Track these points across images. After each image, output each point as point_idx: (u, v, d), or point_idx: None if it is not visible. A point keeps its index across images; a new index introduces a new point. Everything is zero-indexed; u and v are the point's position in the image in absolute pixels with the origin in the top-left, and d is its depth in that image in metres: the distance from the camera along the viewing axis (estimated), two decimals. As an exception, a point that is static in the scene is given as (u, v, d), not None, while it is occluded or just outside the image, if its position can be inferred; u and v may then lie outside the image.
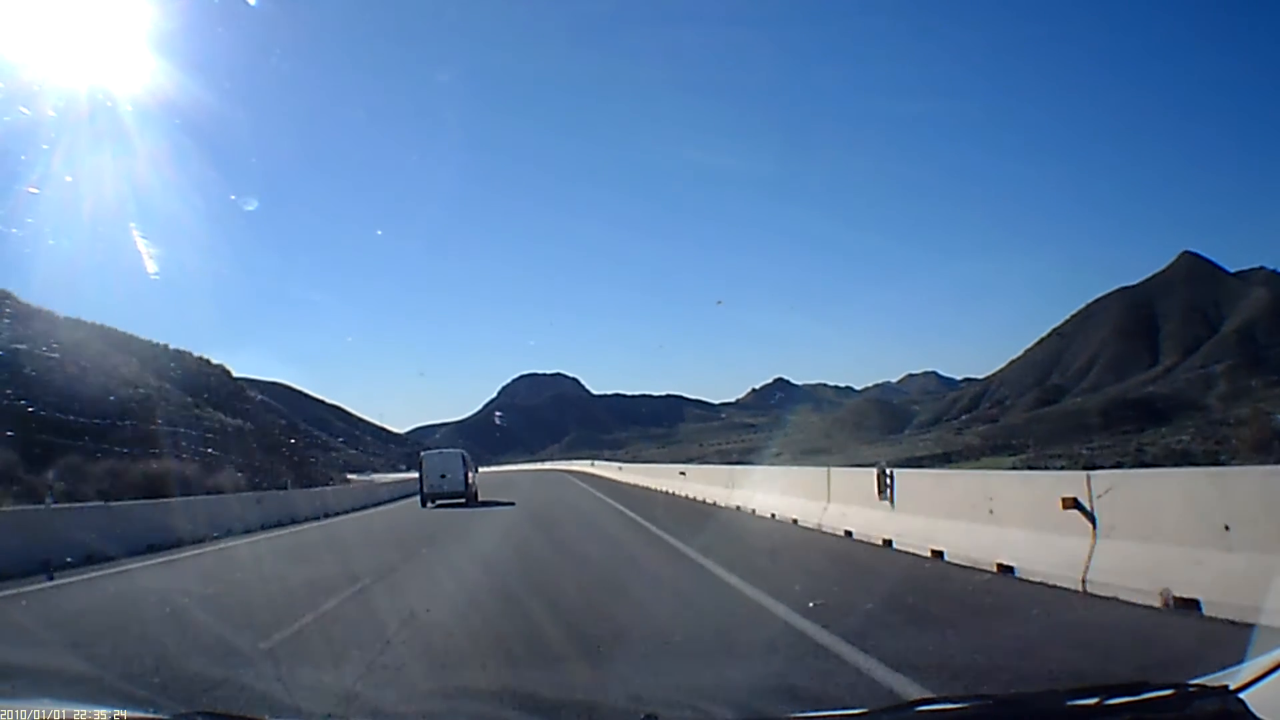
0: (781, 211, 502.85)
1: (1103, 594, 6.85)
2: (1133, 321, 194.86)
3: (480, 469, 36.49)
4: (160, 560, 14.27)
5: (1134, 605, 6.44)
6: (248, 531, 19.40)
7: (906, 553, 10.34)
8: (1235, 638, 5.19)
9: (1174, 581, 6.21)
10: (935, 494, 10.82)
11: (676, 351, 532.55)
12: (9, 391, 30.64)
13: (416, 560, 13.23)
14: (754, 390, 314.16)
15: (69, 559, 12.78)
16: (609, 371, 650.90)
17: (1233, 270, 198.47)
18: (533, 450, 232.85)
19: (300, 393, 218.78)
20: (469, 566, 12.01)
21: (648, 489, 32.36)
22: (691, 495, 24.93)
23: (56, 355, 34.39)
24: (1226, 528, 5.92)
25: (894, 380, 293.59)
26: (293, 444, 59.70)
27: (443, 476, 28.90)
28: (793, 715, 4.58)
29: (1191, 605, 6.01)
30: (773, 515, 16.50)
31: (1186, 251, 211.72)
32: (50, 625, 8.33)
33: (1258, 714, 1.86)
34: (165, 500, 20.14)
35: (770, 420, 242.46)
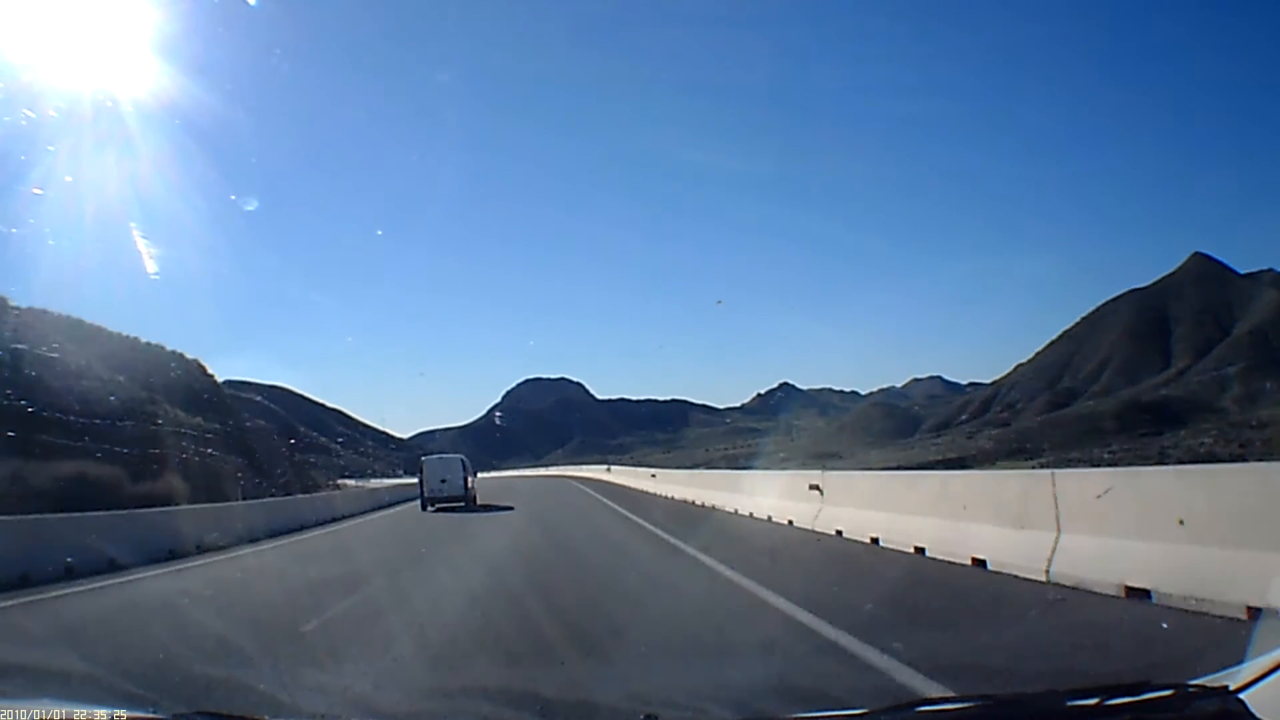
0: (785, 215, 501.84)
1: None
2: (1144, 324, 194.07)
3: (479, 474, 36.23)
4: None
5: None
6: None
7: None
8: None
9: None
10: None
11: (681, 356, 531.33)
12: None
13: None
14: (758, 395, 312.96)
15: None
16: (613, 376, 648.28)
17: (1242, 272, 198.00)
18: (537, 455, 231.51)
19: (300, 396, 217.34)
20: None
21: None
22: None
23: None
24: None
25: (899, 385, 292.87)
26: (271, 447, 57.04)
27: (443, 481, 29.55)
28: (793, 715, 4.44)
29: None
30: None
31: (1196, 253, 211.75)
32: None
33: (1257, 714, 1.88)
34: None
35: (775, 425, 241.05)
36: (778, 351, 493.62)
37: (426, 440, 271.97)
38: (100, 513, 16.22)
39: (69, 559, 12.46)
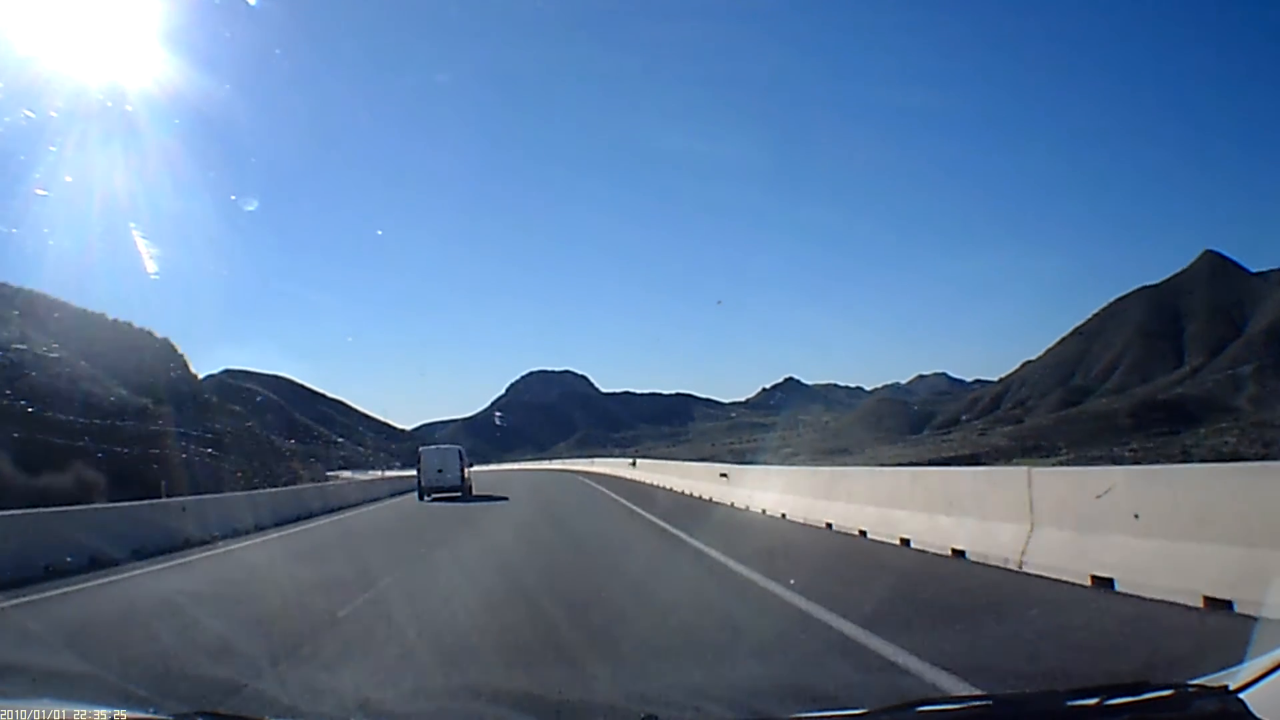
0: (792, 209, 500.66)
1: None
2: (1156, 321, 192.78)
3: (479, 466, 35.30)
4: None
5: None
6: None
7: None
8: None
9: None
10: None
11: (685, 350, 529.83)
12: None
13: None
14: (764, 389, 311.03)
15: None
16: (618, 369, 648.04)
17: (1254, 270, 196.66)
18: (541, 447, 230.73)
19: (301, 387, 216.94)
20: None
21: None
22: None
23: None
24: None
25: (903, 381, 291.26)
26: (248, 441, 54.74)
27: (440, 471, 30.10)
28: (793, 715, 4.40)
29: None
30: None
31: (1208, 250, 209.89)
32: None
33: (1257, 714, 1.88)
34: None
35: (781, 419, 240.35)
36: (783, 346, 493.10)
37: (430, 432, 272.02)
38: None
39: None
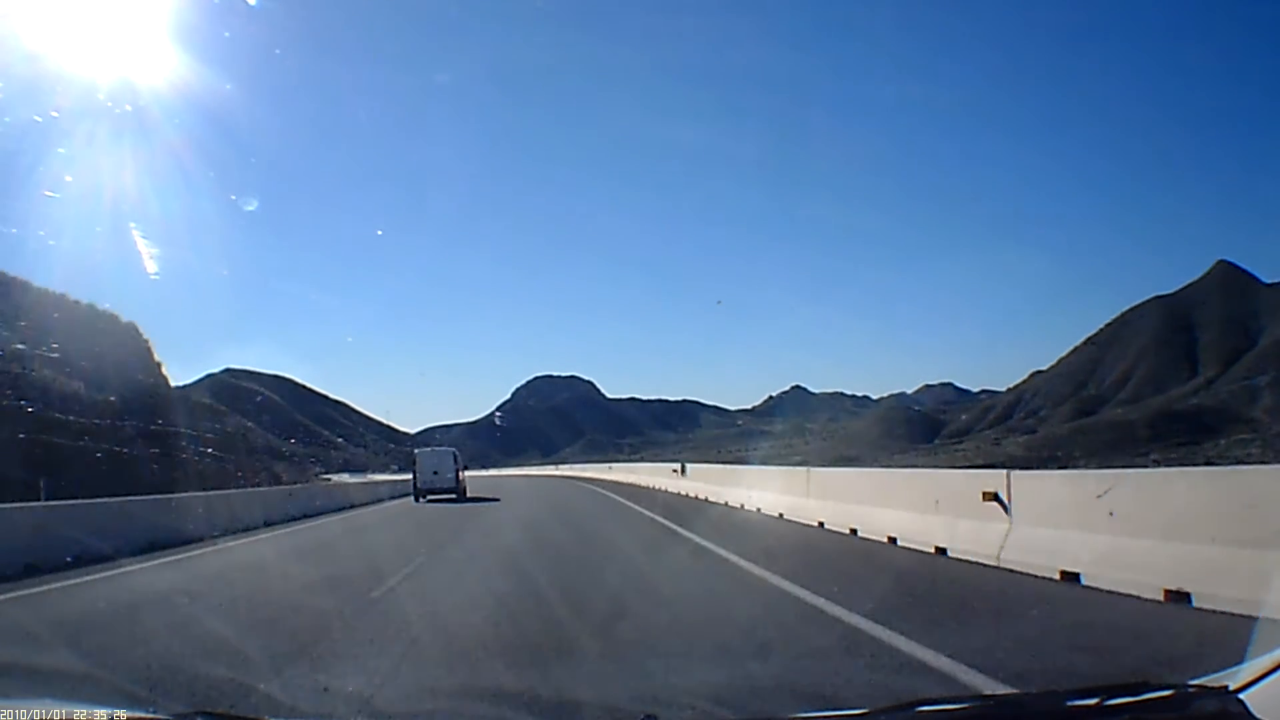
0: (799, 213, 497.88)
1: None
2: (1169, 331, 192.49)
3: (485, 470, 34.80)
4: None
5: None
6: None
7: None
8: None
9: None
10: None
11: (692, 357, 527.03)
12: None
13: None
14: (770, 397, 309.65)
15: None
16: (624, 375, 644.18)
17: (1268, 281, 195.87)
18: (546, 453, 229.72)
19: (303, 388, 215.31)
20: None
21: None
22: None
23: None
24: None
25: (910, 391, 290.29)
26: (232, 442, 52.61)
27: (435, 473, 30.65)
28: (793, 715, 4.40)
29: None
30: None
31: (1221, 260, 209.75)
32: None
33: (1257, 714, 1.89)
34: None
35: (789, 427, 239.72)
36: (789, 354, 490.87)
37: (435, 436, 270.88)
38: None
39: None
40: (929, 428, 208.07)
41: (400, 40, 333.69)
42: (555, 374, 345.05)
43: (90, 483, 27.54)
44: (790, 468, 20.27)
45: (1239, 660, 2.33)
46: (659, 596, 8.17)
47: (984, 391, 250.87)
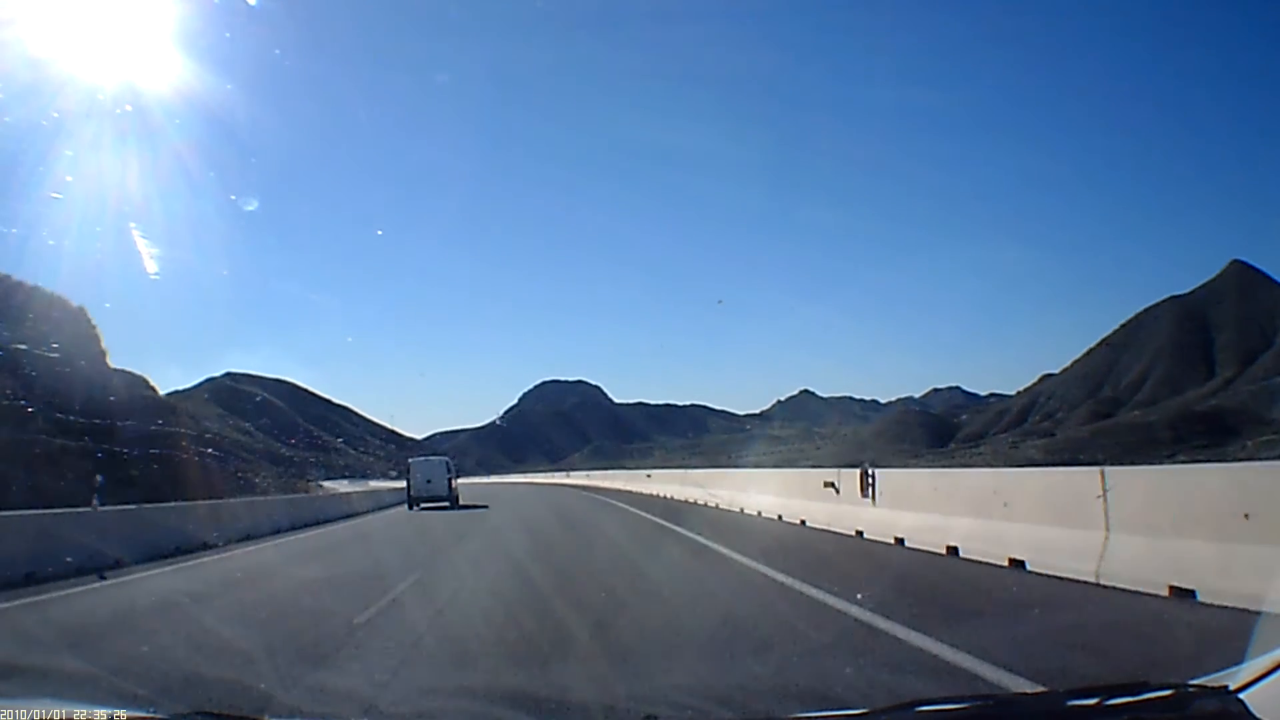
0: (805, 216, 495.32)
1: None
2: (1185, 332, 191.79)
3: (489, 477, 33.39)
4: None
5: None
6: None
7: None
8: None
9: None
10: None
11: (699, 361, 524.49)
12: None
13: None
14: (778, 401, 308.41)
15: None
16: (631, 380, 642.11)
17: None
18: (554, 458, 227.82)
19: (307, 392, 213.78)
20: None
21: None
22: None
23: None
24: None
25: (917, 395, 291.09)
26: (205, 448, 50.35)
27: (428, 482, 31.27)
28: (793, 715, 4.44)
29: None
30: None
31: (1235, 260, 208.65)
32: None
33: (1257, 714, 1.90)
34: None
35: (798, 432, 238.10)
36: (797, 359, 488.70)
37: (441, 441, 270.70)
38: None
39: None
40: (941, 431, 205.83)
41: (402, 41, 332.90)
42: (562, 378, 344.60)
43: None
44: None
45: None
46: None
47: (992, 395, 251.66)
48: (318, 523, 24.01)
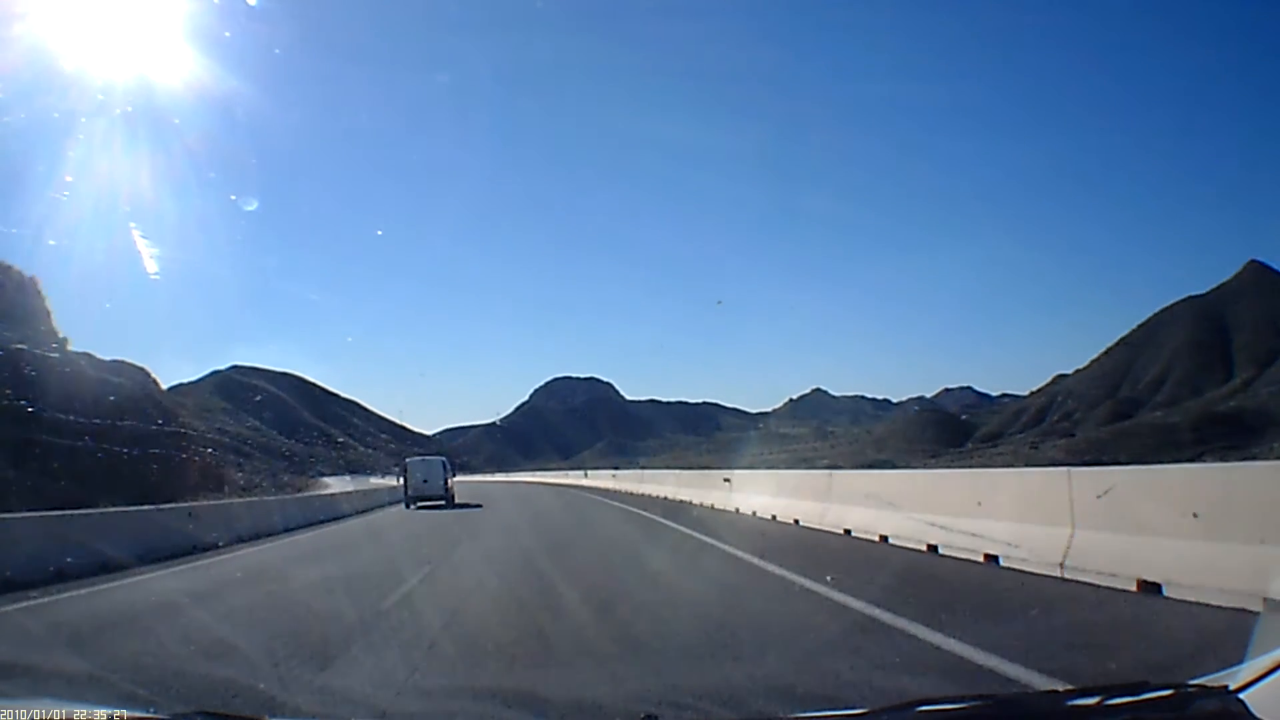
0: (816, 217, 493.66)
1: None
2: (1203, 332, 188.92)
3: (502, 474, 32.32)
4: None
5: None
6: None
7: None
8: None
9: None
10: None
11: (712, 359, 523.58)
12: None
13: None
14: (791, 399, 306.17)
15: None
16: (643, 377, 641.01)
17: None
18: (565, 455, 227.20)
19: (314, 386, 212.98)
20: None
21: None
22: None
23: None
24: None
25: (929, 394, 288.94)
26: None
27: (424, 481, 31.43)
28: (793, 715, 4.42)
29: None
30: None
31: (1253, 260, 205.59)
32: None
33: (1257, 714, 1.90)
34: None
35: (811, 430, 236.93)
36: (808, 357, 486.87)
37: (453, 437, 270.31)
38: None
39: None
40: (956, 431, 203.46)
41: (405, 39, 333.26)
42: (573, 375, 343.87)
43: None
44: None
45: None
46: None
47: (1005, 395, 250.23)
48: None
